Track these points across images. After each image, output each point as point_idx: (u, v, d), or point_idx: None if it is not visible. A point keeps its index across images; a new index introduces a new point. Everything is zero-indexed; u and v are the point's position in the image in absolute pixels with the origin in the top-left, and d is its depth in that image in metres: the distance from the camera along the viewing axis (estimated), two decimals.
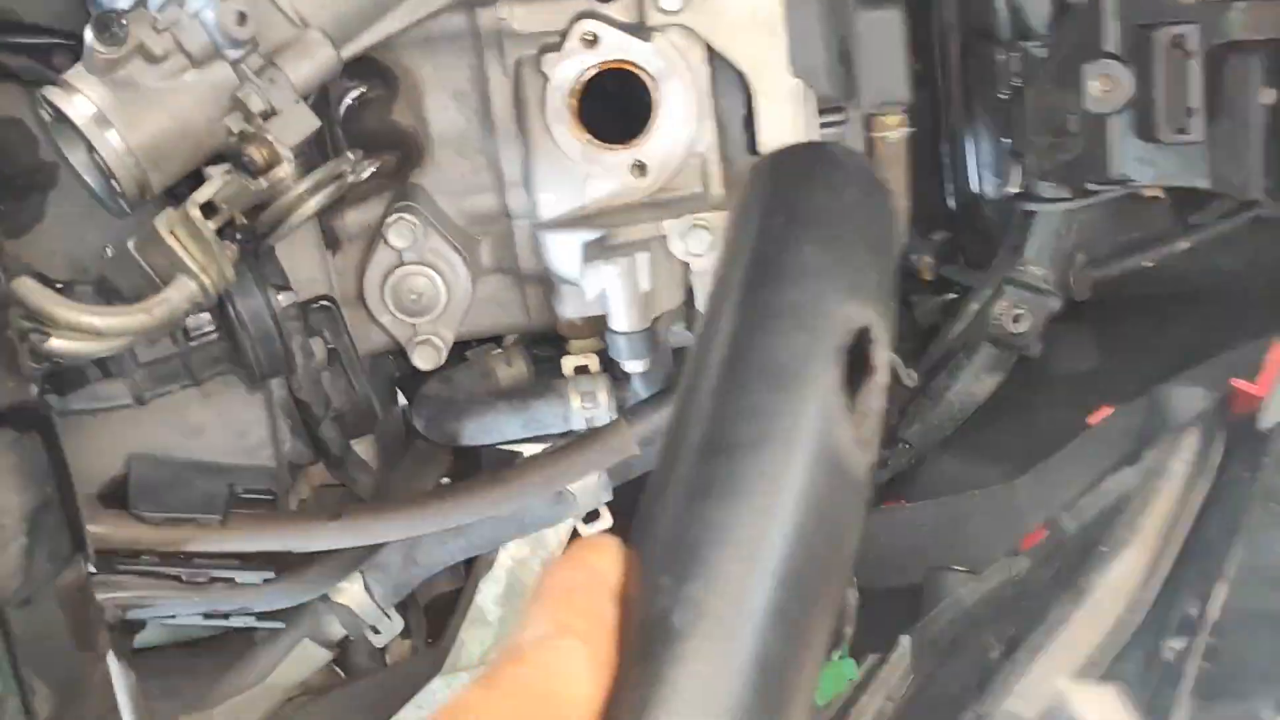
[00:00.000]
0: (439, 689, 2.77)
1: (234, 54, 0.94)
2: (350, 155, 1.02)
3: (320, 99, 1.20)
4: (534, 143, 1.22)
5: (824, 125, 1.23)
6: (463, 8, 1.13)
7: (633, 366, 1.22)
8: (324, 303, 1.20)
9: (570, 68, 1.19)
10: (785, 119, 1.20)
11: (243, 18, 0.92)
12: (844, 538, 0.54)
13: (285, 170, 0.95)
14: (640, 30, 1.18)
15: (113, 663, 0.86)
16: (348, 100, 1.23)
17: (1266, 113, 1.20)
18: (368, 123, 1.25)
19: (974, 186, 1.47)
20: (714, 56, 1.19)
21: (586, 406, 1.29)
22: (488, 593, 2.58)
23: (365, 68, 1.22)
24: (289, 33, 0.99)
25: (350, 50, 1.04)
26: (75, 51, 0.95)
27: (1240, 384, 1.21)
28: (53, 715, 0.81)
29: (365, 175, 1.03)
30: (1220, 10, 1.21)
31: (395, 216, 1.20)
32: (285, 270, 1.17)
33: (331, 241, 1.25)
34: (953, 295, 1.57)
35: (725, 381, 0.55)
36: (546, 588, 0.52)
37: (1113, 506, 1.21)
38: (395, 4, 1.06)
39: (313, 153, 1.07)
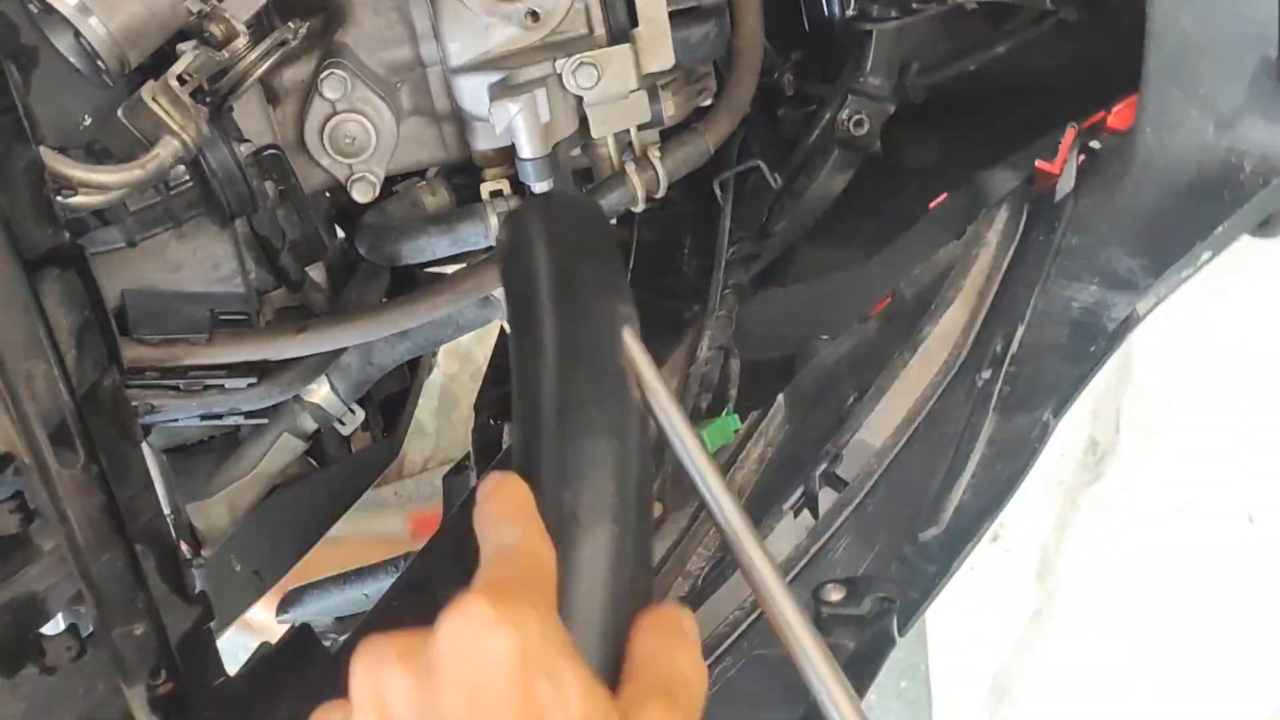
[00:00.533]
0: (388, 496, 3.04)
1: None
2: (290, 25, 1.22)
3: None
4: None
5: None
6: None
7: (540, 187, 1.44)
8: (272, 150, 1.40)
9: None
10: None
11: None
12: (648, 457, 0.85)
13: (241, 42, 1.16)
14: None
15: (146, 449, 1.09)
16: None
17: None
18: None
19: (823, 10, 1.68)
20: None
21: None
22: (425, 407, 2.85)
23: None
24: None
25: None
26: None
27: (1041, 164, 1.46)
28: (106, 487, 1.04)
29: (299, 38, 1.23)
30: None
31: (327, 72, 1.40)
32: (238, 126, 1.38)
33: (272, 97, 1.45)
34: (812, 107, 1.79)
35: (563, 364, 0.85)
36: (490, 520, 0.79)
37: (941, 273, 1.47)
38: None
39: (257, 23, 1.27)
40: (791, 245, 1.69)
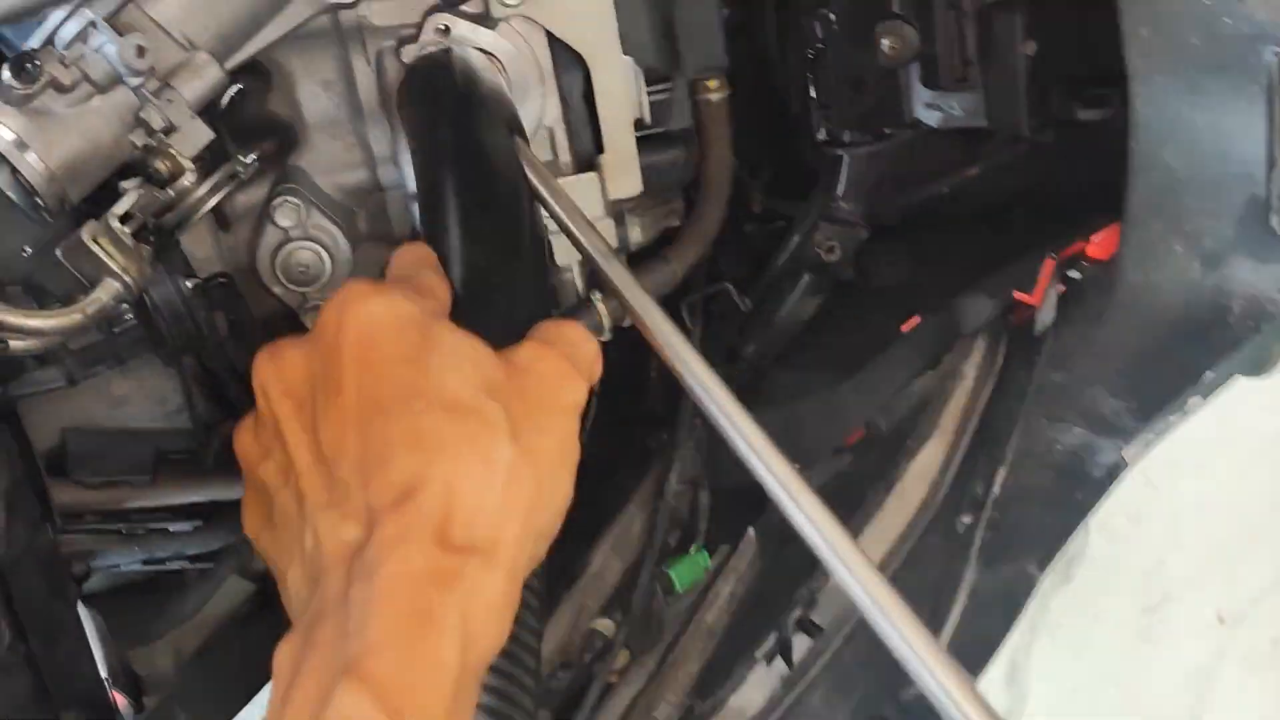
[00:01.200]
0: None
1: (134, 81, 1.08)
2: (241, 158, 1.17)
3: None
4: (399, 123, 1.37)
5: (653, 94, 1.41)
6: (327, 10, 1.27)
7: None
8: (221, 280, 1.35)
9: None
10: (619, 92, 1.36)
11: (141, 50, 1.06)
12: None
13: (189, 179, 1.10)
14: (487, 20, 1.34)
15: (82, 609, 1.02)
16: (228, 96, 1.37)
17: (1027, 61, 1.40)
18: (247, 113, 1.38)
19: (793, 129, 1.65)
20: (554, 41, 1.35)
21: None
22: None
23: (241, 65, 1.36)
24: (180, 56, 1.13)
25: (233, 62, 1.18)
26: None
27: (1020, 295, 1.42)
28: (35, 666, 0.97)
29: (248, 172, 1.18)
30: None
31: (280, 199, 1.35)
32: (186, 253, 1.32)
33: (223, 222, 1.39)
34: (781, 223, 1.76)
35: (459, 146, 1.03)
36: (392, 269, 0.93)
37: (917, 405, 1.42)
38: (269, 18, 1.21)
39: (207, 154, 1.22)
40: (761, 369, 1.64)
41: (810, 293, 1.63)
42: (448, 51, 1.31)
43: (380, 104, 1.38)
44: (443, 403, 0.77)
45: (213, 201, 1.15)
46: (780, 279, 1.64)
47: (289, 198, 1.35)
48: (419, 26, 1.34)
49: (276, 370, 0.83)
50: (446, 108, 1.13)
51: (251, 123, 1.38)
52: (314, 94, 1.39)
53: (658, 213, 1.52)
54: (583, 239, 1.05)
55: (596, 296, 1.43)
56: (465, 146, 1.03)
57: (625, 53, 1.35)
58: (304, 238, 1.37)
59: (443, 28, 1.34)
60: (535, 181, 1.05)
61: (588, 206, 1.38)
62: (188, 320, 1.21)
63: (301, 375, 0.82)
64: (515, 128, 1.12)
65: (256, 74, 1.37)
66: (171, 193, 1.10)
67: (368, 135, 1.40)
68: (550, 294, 1.11)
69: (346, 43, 1.36)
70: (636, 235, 1.45)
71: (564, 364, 0.86)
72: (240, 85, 1.36)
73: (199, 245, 1.35)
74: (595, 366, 0.91)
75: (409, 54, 1.34)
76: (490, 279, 0.92)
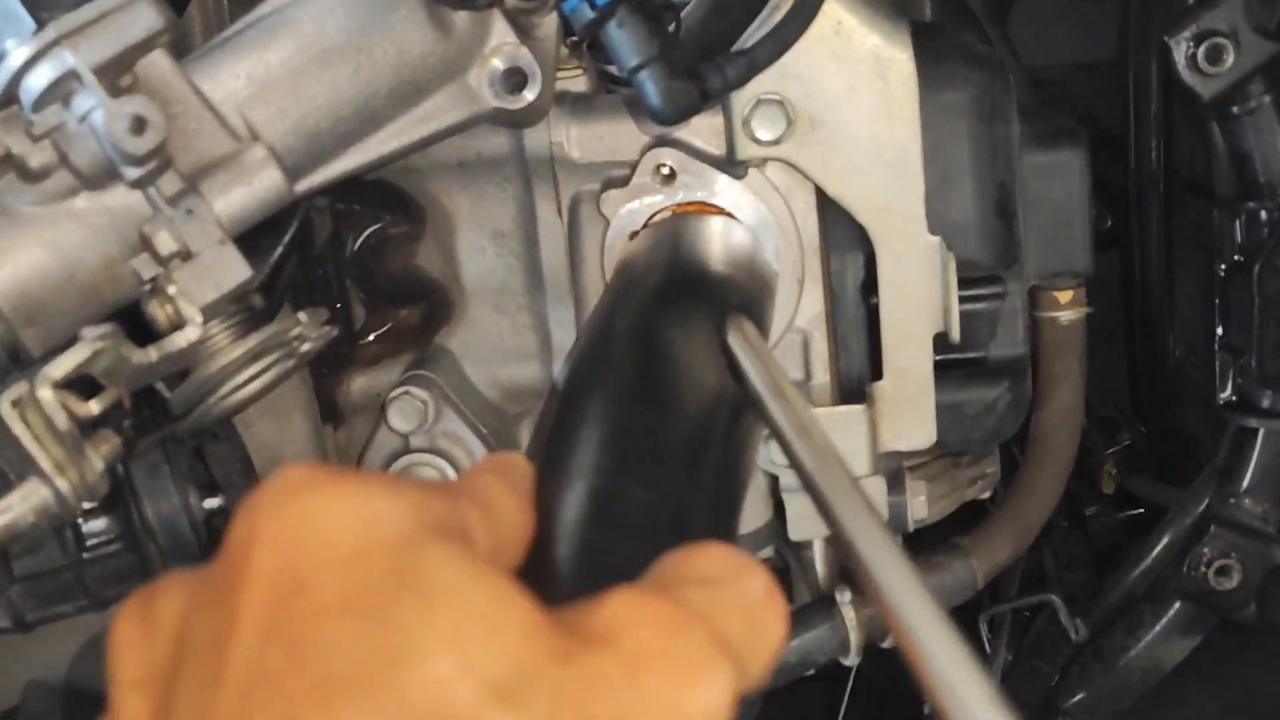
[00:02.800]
0: None
1: (132, 173, 0.68)
2: (301, 317, 0.75)
3: (333, 235, 0.96)
4: (590, 301, 0.96)
5: (968, 299, 0.93)
6: (492, 120, 0.86)
7: None
8: None
9: (638, 209, 0.92)
10: (917, 288, 0.90)
11: (140, 124, 0.66)
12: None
13: (187, 337, 0.69)
14: (729, 165, 0.90)
15: None
16: (363, 237, 0.98)
17: None
18: (387, 266, 0.99)
19: (1172, 382, 1.15)
20: (825, 202, 0.90)
21: None
22: None
23: (384, 195, 0.97)
24: (225, 146, 0.73)
25: (314, 181, 0.78)
26: None
27: None
28: None
29: (319, 344, 0.76)
30: None
31: (400, 390, 0.94)
32: (272, 448, 0.92)
33: (331, 413, 0.99)
34: (1138, 511, 1.26)
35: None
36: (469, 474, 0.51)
37: None
38: (392, 114, 0.80)
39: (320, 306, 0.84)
40: None
41: (1181, 629, 1.10)
42: (676, 221, 0.89)
43: (570, 272, 0.96)
44: (412, 707, 0.39)
45: (247, 388, 0.73)
46: (1134, 601, 1.12)
47: (413, 389, 0.94)
48: (632, 165, 0.91)
49: (137, 635, 0.45)
50: (636, 288, 0.76)
51: (391, 279, 0.99)
52: (479, 247, 1.00)
53: (958, 478, 1.05)
54: (828, 497, 0.59)
55: (845, 597, 0.95)
56: (638, 339, 0.69)
57: (932, 231, 0.88)
58: (429, 449, 0.96)
59: (665, 170, 0.91)
60: (764, 396, 0.64)
61: (849, 455, 0.90)
62: (197, 556, 0.79)
63: (168, 641, 0.44)
64: (753, 312, 0.75)
65: (405, 210, 0.98)
66: (154, 355, 0.68)
67: (547, 314, 1.00)
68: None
69: (530, 180, 0.95)
70: (920, 509, 0.98)
71: (689, 631, 0.42)
72: (380, 222, 0.98)
73: (290, 441, 0.95)
74: (762, 640, 0.44)
75: (613, 204, 0.91)
76: (610, 528, 0.54)
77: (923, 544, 1.03)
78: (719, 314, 0.70)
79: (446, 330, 1.00)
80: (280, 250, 0.84)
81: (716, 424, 0.63)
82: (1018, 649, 1.16)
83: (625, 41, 0.78)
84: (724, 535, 0.60)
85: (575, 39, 0.86)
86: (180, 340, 0.69)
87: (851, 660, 0.97)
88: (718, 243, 0.86)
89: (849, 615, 0.95)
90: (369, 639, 0.41)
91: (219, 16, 0.94)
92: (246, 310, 0.75)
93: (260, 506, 0.44)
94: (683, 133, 0.92)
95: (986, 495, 1.09)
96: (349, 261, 0.98)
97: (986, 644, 1.14)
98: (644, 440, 0.59)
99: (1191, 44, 0.90)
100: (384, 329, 1.00)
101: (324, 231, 0.90)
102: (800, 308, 0.93)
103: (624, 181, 0.92)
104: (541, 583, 0.45)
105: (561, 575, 0.51)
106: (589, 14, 0.77)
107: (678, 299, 0.73)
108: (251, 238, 0.84)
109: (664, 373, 0.65)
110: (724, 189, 0.91)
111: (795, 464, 0.61)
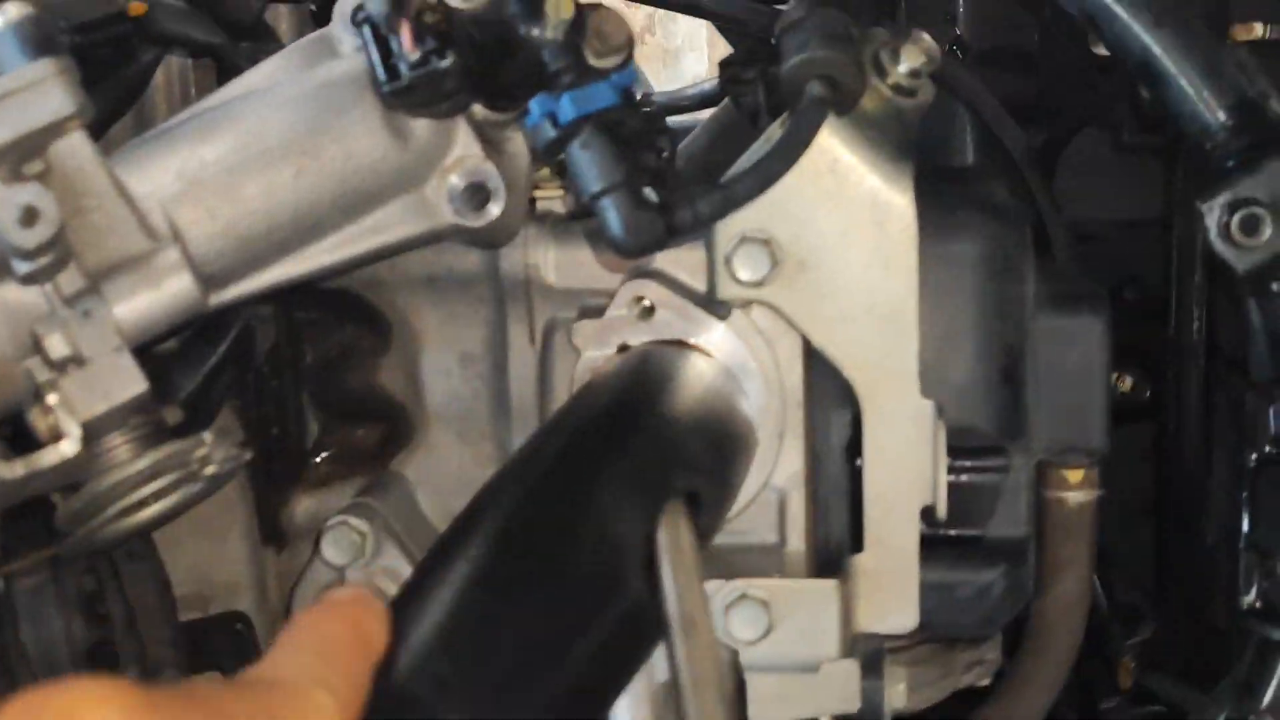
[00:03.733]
0: None
1: (24, 266, 0.62)
2: (206, 436, 0.68)
3: (291, 340, 0.90)
4: None
5: (969, 469, 0.84)
6: (450, 237, 0.79)
7: None
8: (238, 624, 0.86)
9: (613, 341, 0.84)
10: (905, 454, 0.81)
11: (31, 215, 0.60)
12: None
13: (61, 453, 0.62)
14: (711, 304, 0.83)
15: None
16: (322, 348, 0.92)
17: None
18: (346, 382, 0.92)
19: (1203, 573, 1.04)
20: (810, 353, 0.82)
21: None
22: None
23: (348, 305, 0.90)
24: (138, 246, 0.67)
25: (244, 289, 0.71)
26: None
27: None
28: None
29: (226, 467, 0.68)
30: None
31: (338, 519, 0.86)
32: (203, 571, 0.86)
33: (274, 535, 0.92)
34: (1155, 709, 1.14)
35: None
36: (311, 630, 0.48)
37: None
38: (338, 223, 0.74)
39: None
40: None
41: None
42: (652, 353, 0.82)
43: (538, 401, 0.89)
44: None
45: (144, 510, 0.66)
46: None
47: (352, 519, 0.86)
48: (611, 296, 0.84)
49: None
50: (582, 426, 0.69)
51: (347, 394, 0.92)
52: (445, 370, 0.93)
53: (951, 663, 0.95)
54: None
55: None
56: (556, 492, 0.61)
57: (926, 394, 0.80)
58: (365, 584, 0.87)
59: (646, 305, 0.83)
60: (671, 620, 0.56)
61: (812, 638, 0.81)
62: None
63: None
64: (710, 486, 0.69)
65: (370, 324, 0.91)
66: (20, 469, 0.61)
67: (511, 445, 0.93)
68: None
69: (505, 302, 0.89)
70: (899, 698, 0.87)
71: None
72: (342, 334, 0.92)
73: (224, 564, 0.90)
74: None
75: (585, 336, 0.84)
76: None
77: None
78: (658, 495, 0.62)
79: (404, 455, 0.93)
80: (214, 361, 0.78)
81: (598, 630, 0.55)
82: None
83: (589, 164, 0.71)
84: None
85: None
86: (53, 456, 0.62)
87: None
88: (691, 387, 0.78)
89: None
90: None
91: (184, 93, 0.90)
92: (152, 424, 0.69)
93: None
94: (666, 265, 0.85)
95: (983, 682, 0.99)
96: (305, 373, 0.92)
97: None
98: (505, 613, 0.52)
99: (1226, 212, 0.81)
100: (337, 449, 0.93)
101: (267, 343, 0.83)
102: (779, 464, 0.84)
103: (601, 311, 0.85)
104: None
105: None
106: (551, 132, 0.71)
107: (618, 462, 0.64)
108: (186, 346, 0.79)
109: (563, 543, 0.57)
110: (705, 329, 0.83)
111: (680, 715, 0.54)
